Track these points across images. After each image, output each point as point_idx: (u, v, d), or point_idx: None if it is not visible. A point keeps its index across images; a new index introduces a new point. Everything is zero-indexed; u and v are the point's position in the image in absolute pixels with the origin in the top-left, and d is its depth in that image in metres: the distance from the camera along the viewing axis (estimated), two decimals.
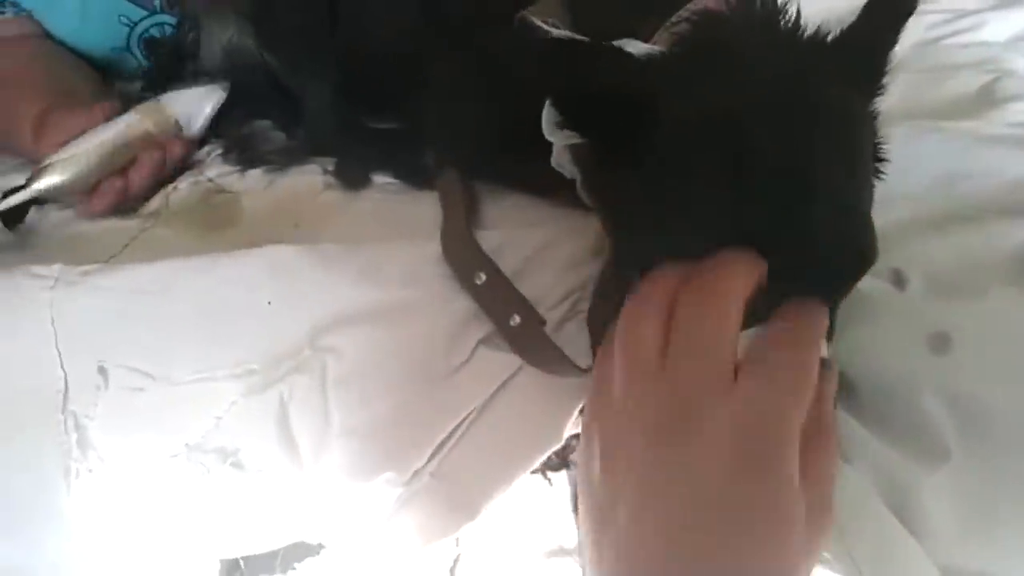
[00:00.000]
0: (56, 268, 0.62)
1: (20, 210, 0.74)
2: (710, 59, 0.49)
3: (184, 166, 0.81)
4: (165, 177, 0.78)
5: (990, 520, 0.45)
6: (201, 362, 0.58)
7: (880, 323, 0.51)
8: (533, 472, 0.56)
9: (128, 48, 0.97)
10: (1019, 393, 0.46)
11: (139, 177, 0.76)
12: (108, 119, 0.76)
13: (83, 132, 0.75)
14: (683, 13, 0.53)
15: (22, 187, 0.72)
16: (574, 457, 0.81)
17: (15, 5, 0.90)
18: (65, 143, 0.74)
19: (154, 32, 0.98)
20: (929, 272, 0.54)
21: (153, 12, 0.95)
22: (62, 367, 0.59)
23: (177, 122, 0.79)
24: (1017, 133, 0.65)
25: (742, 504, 0.35)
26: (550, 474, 0.73)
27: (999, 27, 0.83)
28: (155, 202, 0.78)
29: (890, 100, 0.68)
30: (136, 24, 0.96)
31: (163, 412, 0.57)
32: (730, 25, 0.51)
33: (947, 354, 0.48)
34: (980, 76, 0.74)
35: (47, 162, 0.72)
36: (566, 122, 0.50)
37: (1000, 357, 0.48)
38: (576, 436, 0.55)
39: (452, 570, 0.60)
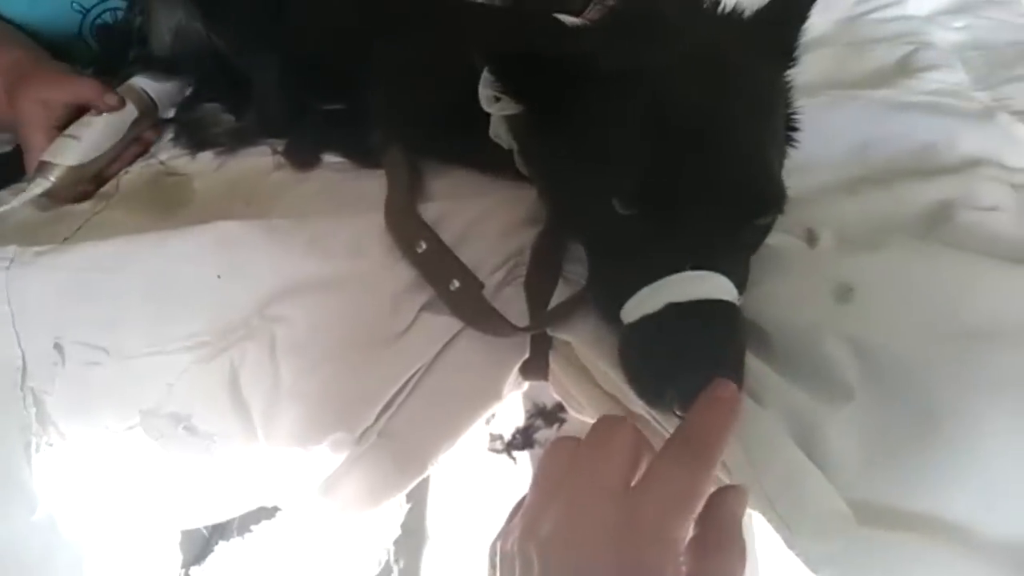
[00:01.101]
0: (11, 250, 0.64)
1: None
2: (635, 28, 0.53)
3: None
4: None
5: (891, 454, 0.49)
6: (154, 336, 0.60)
7: (790, 276, 0.55)
8: (498, 452, 0.59)
9: (80, 34, 0.98)
10: (914, 336, 0.50)
11: (123, 164, 0.79)
12: (100, 100, 0.77)
13: (67, 103, 0.77)
14: None
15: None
16: (538, 436, 0.85)
17: None
18: (50, 114, 0.76)
19: (107, 18, 0.98)
20: (839, 230, 0.58)
21: None
22: (19, 345, 0.61)
23: (153, 102, 0.81)
24: (929, 100, 0.69)
25: None
26: (515, 453, 0.77)
27: (920, 2, 0.87)
28: (107, 185, 0.79)
29: (814, 72, 0.73)
30: (89, 11, 0.96)
31: (119, 385, 0.60)
32: (654, 0, 0.55)
33: (850, 303, 0.52)
34: (900, 48, 0.78)
35: (50, 159, 0.74)
36: (503, 85, 0.54)
37: (897, 303, 0.52)
38: (539, 414, 0.59)
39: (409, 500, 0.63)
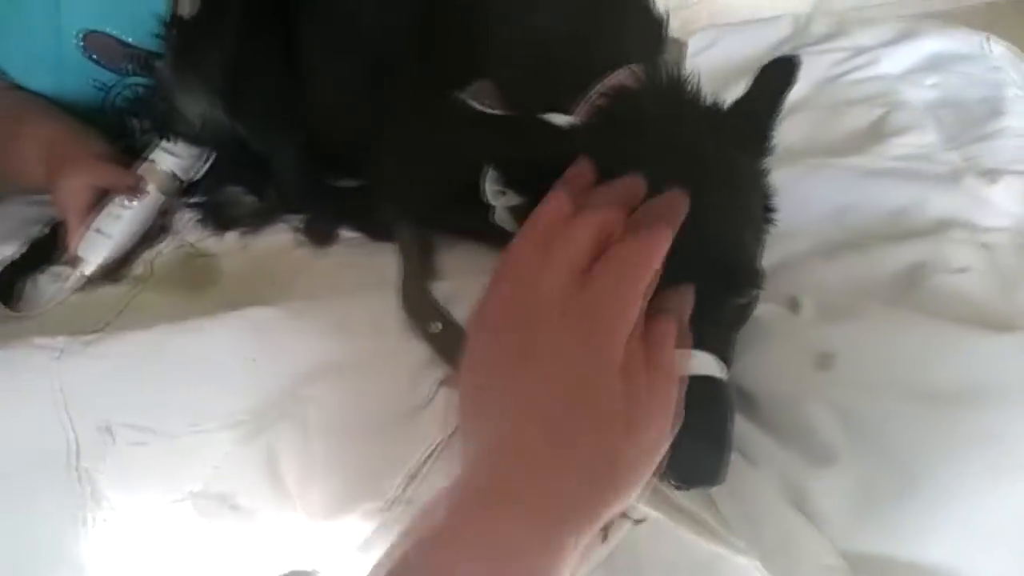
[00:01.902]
0: (61, 340, 0.70)
1: (9, 284, 0.82)
2: (622, 127, 0.58)
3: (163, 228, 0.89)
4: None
5: (877, 510, 0.54)
6: (195, 416, 0.65)
7: (775, 344, 0.60)
8: None
9: (104, 111, 1.04)
10: (891, 400, 0.55)
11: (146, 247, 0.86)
12: (126, 189, 0.84)
13: (101, 186, 0.83)
14: (599, 88, 0.62)
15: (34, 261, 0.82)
16: None
17: None
18: (83, 197, 0.82)
19: (128, 94, 1.04)
20: (820, 297, 0.63)
21: (125, 75, 1.02)
22: (72, 429, 0.67)
23: (175, 176, 0.87)
24: (900, 165, 0.75)
25: (574, 382, 0.41)
26: None
27: (894, 60, 0.93)
28: (139, 267, 0.85)
29: (794, 137, 0.78)
30: (110, 88, 1.03)
31: (165, 462, 0.65)
32: (639, 98, 0.60)
33: (831, 370, 0.57)
34: (872, 111, 0.84)
35: (84, 256, 0.81)
36: (508, 184, 0.60)
37: (874, 370, 0.57)
38: None
39: None
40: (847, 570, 0.52)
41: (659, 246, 0.45)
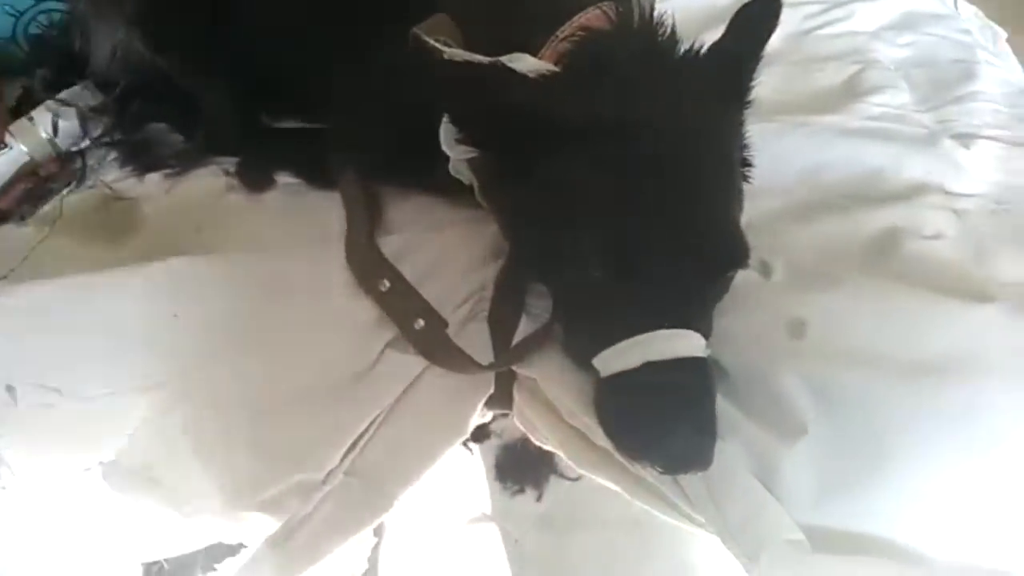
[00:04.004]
0: None
1: None
2: (593, 77, 0.52)
3: (65, 175, 0.80)
4: (46, 189, 0.78)
5: (844, 484, 0.51)
6: (108, 376, 0.59)
7: (745, 312, 0.56)
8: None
9: (14, 38, 0.94)
10: (865, 372, 0.53)
11: (9, 201, 0.76)
12: None
13: None
14: (567, 29, 0.56)
15: None
16: (494, 427, 0.86)
17: None
18: None
19: (42, 19, 0.94)
20: (792, 261, 0.60)
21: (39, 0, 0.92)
22: None
23: (51, 140, 0.79)
24: (874, 126, 0.72)
25: None
26: (470, 444, 0.78)
27: (868, 16, 0.90)
28: (47, 207, 0.77)
29: (765, 92, 0.74)
30: (23, 14, 0.92)
31: (75, 427, 0.58)
32: (611, 42, 0.55)
33: (803, 338, 0.54)
34: (846, 67, 0.81)
35: None
36: (464, 138, 0.54)
37: (848, 339, 0.54)
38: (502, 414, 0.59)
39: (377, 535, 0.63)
40: (807, 548, 0.49)
41: None
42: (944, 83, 0.79)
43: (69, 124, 0.80)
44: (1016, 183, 0.67)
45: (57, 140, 0.79)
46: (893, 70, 0.81)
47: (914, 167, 0.67)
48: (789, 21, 0.88)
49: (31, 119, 0.78)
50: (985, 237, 0.63)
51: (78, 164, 0.80)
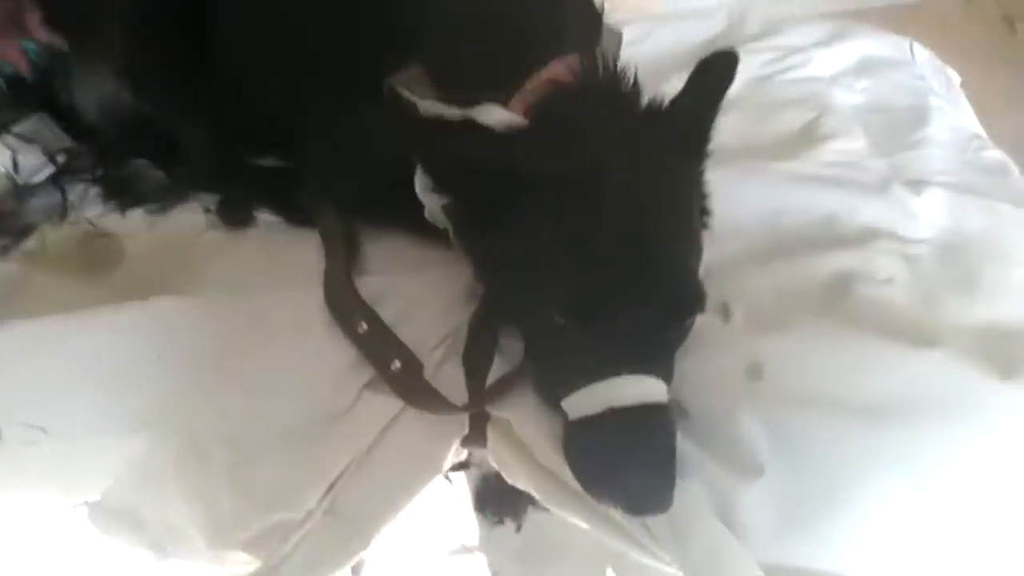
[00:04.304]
0: None
1: None
2: (557, 131, 0.55)
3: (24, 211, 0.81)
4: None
5: (800, 523, 0.54)
6: (94, 417, 0.60)
7: (706, 355, 0.59)
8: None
9: None
10: (817, 414, 0.56)
11: None
12: None
13: None
14: (535, 82, 0.59)
15: None
16: (473, 457, 0.88)
17: None
18: None
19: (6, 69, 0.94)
20: (751, 305, 0.63)
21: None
22: None
23: (9, 175, 0.80)
24: (829, 172, 0.75)
25: None
26: (451, 474, 0.79)
27: (826, 62, 0.94)
28: (31, 242, 0.78)
29: (726, 138, 0.77)
30: None
31: (60, 466, 0.60)
32: (574, 96, 0.58)
33: (760, 381, 0.57)
34: (804, 113, 0.84)
35: None
36: (437, 187, 0.56)
37: (802, 383, 0.57)
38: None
39: (355, 572, 0.65)
40: None
41: None
42: (898, 129, 0.83)
43: (27, 158, 0.81)
44: (964, 229, 0.71)
45: (16, 175, 0.80)
46: (849, 116, 0.84)
47: (867, 213, 0.71)
48: (749, 67, 0.92)
49: None
50: (934, 282, 0.66)
51: (58, 199, 0.82)
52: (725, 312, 0.63)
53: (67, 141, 0.86)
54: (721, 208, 0.63)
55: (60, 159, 0.85)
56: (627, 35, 0.96)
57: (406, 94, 0.58)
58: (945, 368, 0.58)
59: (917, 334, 0.60)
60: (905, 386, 0.57)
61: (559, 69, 0.59)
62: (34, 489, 0.60)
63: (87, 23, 0.77)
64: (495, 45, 0.62)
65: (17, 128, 0.83)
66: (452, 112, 0.55)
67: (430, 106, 0.57)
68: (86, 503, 0.57)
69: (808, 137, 0.80)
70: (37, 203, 0.82)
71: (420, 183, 0.58)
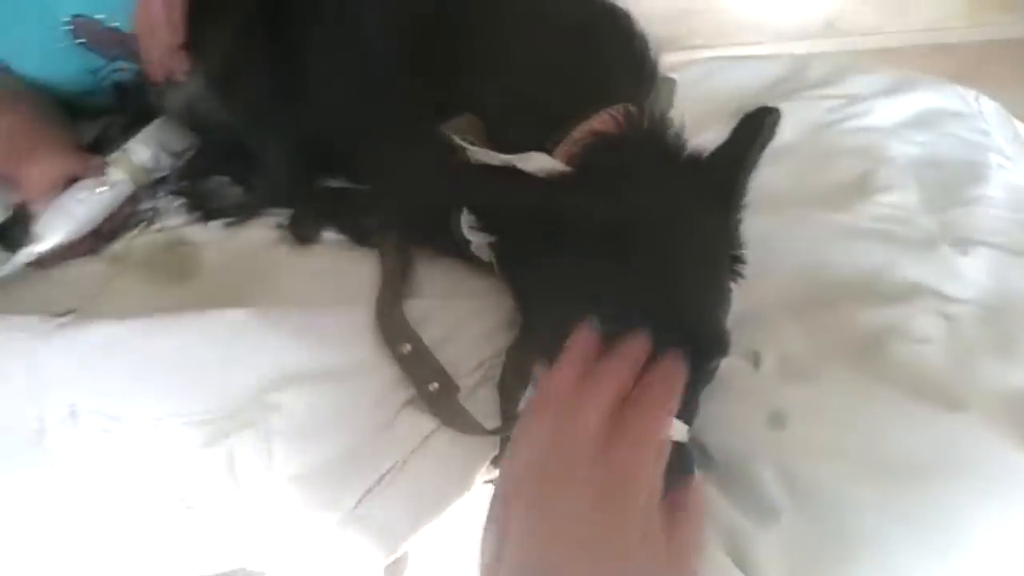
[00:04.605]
0: (33, 320, 0.70)
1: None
2: (598, 180, 0.59)
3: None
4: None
5: (813, 572, 0.56)
6: (161, 410, 0.66)
7: (731, 399, 0.61)
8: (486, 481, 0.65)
9: (95, 93, 1.03)
10: (837, 468, 0.57)
11: (115, 223, 0.86)
12: (93, 173, 0.84)
13: (65, 176, 0.83)
14: (580, 132, 0.63)
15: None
16: None
17: None
18: (47, 184, 0.82)
19: (117, 77, 1.04)
20: (782, 353, 0.65)
21: (113, 59, 1.01)
22: (40, 408, 0.68)
23: (146, 168, 0.87)
24: (877, 227, 0.76)
25: (597, 532, 0.42)
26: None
27: (886, 113, 0.94)
28: (119, 245, 0.86)
29: (777, 185, 0.79)
30: (98, 71, 1.02)
31: (126, 452, 0.66)
32: (617, 148, 0.61)
33: (783, 430, 0.59)
34: (859, 164, 0.85)
35: (43, 232, 0.80)
36: (481, 227, 0.61)
37: (827, 435, 0.59)
38: None
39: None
40: None
41: (668, 415, 0.47)
42: (952, 185, 0.83)
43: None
44: (1007, 291, 0.70)
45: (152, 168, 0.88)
46: (905, 169, 0.84)
47: (911, 270, 0.71)
48: (809, 113, 0.93)
49: (125, 151, 0.87)
50: (971, 344, 0.66)
51: (149, 205, 0.89)
52: (755, 359, 0.65)
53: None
54: (764, 255, 0.65)
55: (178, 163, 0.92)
56: (689, 75, 0.99)
57: (457, 140, 0.62)
58: (972, 432, 0.58)
59: (947, 396, 0.60)
60: (930, 447, 0.57)
61: (604, 120, 0.63)
62: (103, 473, 0.66)
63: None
64: (545, 96, 0.66)
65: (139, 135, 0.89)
66: (498, 159, 0.59)
67: (478, 153, 0.62)
68: (146, 486, 0.63)
69: (860, 189, 0.81)
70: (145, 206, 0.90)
71: (465, 221, 0.62)
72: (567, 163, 0.61)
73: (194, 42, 0.85)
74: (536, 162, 0.59)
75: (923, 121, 0.93)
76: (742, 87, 0.99)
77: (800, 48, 2.61)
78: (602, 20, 0.73)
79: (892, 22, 2.58)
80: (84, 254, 0.83)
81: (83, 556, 0.69)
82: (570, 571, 0.42)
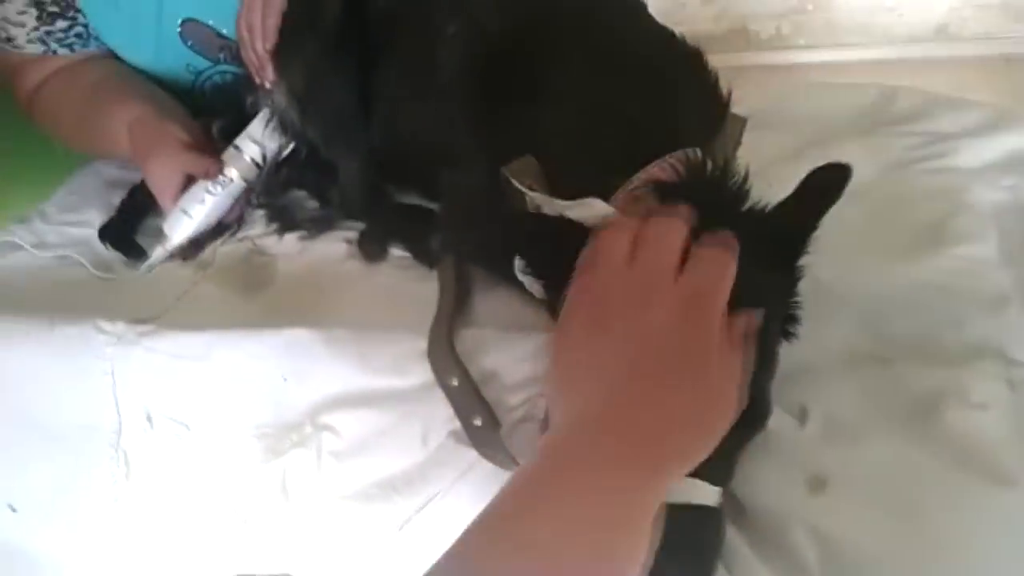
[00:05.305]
0: (119, 326, 0.76)
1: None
2: None
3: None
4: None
5: None
6: (227, 420, 0.71)
7: (772, 458, 0.61)
8: None
9: (193, 92, 1.10)
10: (877, 535, 0.56)
11: (233, 215, 0.94)
12: (207, 176, 0.90)
13: (183, 174, 0.90)
14: (638, 180, 0.63)
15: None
16: None
17: (98, 40, 1.03)
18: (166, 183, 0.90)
19: (216, 79, 1.10)
20: (830, 411, 0.64)
21: (216, 63, 1.08)
22: (118, 410, 0.74)
23: (255, 163, 0.93)
24: (947, 281, 0.73)
25: (679, 347, 0.49)
26: None
27: (973, 153, 0.89)
28: (206, 251, 0.91)
29: (848, 227, 0.77)
30: (201, 72, 1.09)
31: (195, 460, 0.71)
32: (676, 198, 0.61)
33: (822, 496, 0.58)
34: (937, 208, 0.81)
35: (168, 233, 0.90)
36: (532, 271, 0.62)
37: (866, 504, 0.58)
38: None
39: None
40: None
41: (734, 256, 0.53)
42: None
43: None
44: None
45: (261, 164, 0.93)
46: (986, 216, 0.80)
47: (976, 330, 0.68)
48: (891, 151, 0.90)
49: (237, 148, 0.93)
50: None
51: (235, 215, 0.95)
52: (802, 415, 0.64)
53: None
54: (822, 307, 0.64)
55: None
56: (771, 103, 0.97)
57: (516, 184, 0.63)
58: (1015, 508, 0.56)
59: (998, 469, 0.58)
60: (973, 523, 0.56)
61: (659, 169, 0.63)
62: (170, 476, 0.72)
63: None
64: (608, 140, 0.66)
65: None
66: (554, 207, 0.60)
67: (536, 198, 0.63)
68: (206, 497, 0.68)
69: (934, 238, 0.78)
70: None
71: (518, 264, 0.63)
72: (623, 211, 0.61)
73: (281, 52, 0.89)
74: (594, 209, 0.60)
75: (1011, 163, 0.88)
76: (823, 119, 0.96)
77: (909, 53, 2.50)
78: (678, 64, 0.73)
79: (1008, 27, 2.44)
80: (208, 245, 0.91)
81: (137, 554, 0.74)
82: (662, 373, 0.48)
